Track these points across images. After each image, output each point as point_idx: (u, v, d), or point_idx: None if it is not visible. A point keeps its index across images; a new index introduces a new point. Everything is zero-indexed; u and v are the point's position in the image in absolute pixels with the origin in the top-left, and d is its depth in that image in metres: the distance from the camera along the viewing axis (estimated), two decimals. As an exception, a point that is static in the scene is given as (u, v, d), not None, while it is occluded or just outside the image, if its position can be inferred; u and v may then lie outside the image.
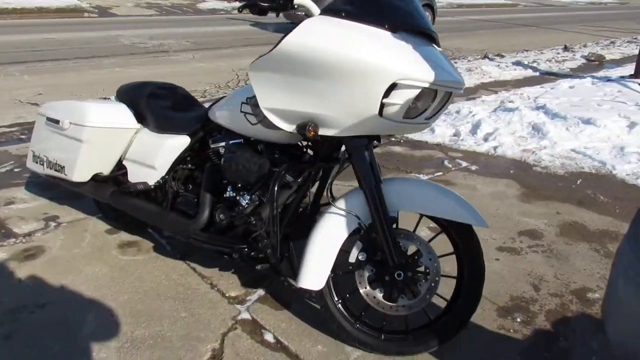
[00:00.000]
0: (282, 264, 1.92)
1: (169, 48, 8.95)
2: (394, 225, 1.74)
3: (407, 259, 1.72)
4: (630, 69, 7.63)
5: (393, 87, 1.50)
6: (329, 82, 1.53)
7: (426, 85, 1.52)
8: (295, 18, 9.66)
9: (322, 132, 1.64)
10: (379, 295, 1.75)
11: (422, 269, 1.73)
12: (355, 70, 1.49)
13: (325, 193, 1.84)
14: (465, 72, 7.35)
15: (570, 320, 2.02)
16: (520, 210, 2.97)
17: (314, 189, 2.05)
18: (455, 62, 8.22)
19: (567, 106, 5.16)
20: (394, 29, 1.54)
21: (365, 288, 1.76)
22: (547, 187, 3.34)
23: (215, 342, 1.87)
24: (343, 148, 1.86)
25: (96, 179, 2.38)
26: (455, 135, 4.38)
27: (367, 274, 1.76)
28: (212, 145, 2.09)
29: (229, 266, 2.35)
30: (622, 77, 6.73)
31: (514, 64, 8.11)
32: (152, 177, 2.24)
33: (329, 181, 1.86)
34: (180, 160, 2.21)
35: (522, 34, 12.83)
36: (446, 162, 3.77)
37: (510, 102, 5.34)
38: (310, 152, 2.00)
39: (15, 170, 3.48)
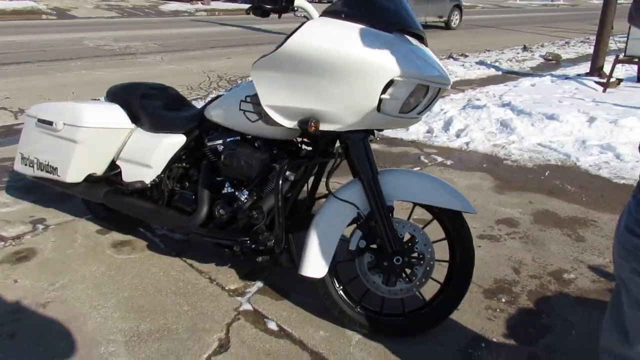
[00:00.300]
0: (282, 255, 2.00)
1: (135, 50, 8.86)
2: (391, 214, 1.85)
3: (404, 245, 1.83)
4: (585, 67, 8.05)
5: (390, 83, 1.61)
6: (330, 80, 1.63)
7: (420, 81, 1.64)
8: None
9: (323, 127, 1.74)
10: (379, 280, 1.86)
11: (417, 254, 1.85)
12: (355, 69, 1.59)
13: (326, 185, 1.93)
14: (432, 71, 7.56)
15: (550, 299, 2.18)
16: (496, 201, 3.14)
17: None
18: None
19: (530, 103, 5.42)
20: (390, 29, 1.65)
21: (366, 274, 1.87)
22: (519, 179, 3.53)
23: (220, 332, 1.94)
24: (337, 143, 1.97)
25: (89, 179, 2.40)
26: (428, 132, 4.55)
27: (366, 261, 1.86)
28: (208, 143, 2.15)
29: (224, 261, 2.41)
30: (579, 75, 7.09)
31: (477, 63, 8.41)
32: (148, 176, 2.29)
33: (328, 174, 1.95)
34: (175, 158, 2.26)
35: (482, 35, 13.25)
36: (422, 158, 3.93)
37: (477, 99, 5.57)
38: (305, 147, 2.09)
39: (-7, 174, 3.43)
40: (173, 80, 6.65)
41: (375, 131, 1.94)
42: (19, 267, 2.34)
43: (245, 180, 2.05)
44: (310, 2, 1.78)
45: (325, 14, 1.66)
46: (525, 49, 10.13)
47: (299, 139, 2.07)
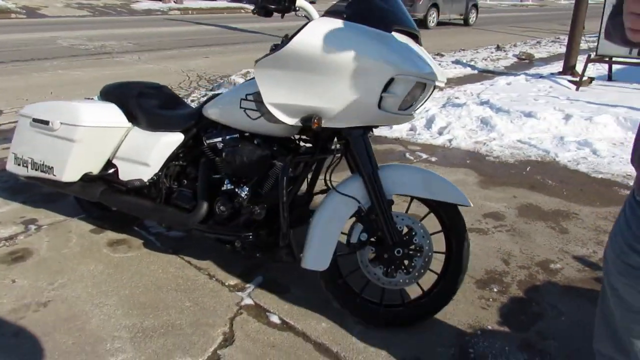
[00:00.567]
0: (283, 250, 2.05)
1: (111, 50, 8.75)
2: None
3: (403, 238, 1.90)
4: (557, 66, 8.29)
5: (390, 81, 1.68)
6: (333, 78, 1.68)
7: (419, 79, 1.71)
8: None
9: (325, 124, 1.79)
10: (379, 272, 1.93)
11: (416, 246, 1.92)
12: (357, 67, 1.65)
13: (324, 181, 1.98)
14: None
15: (539, 288, 2.28)
16: (481, 195, 3.25)
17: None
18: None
19: (507, 101, 5.57)
20: (389, 28, 1.72)
21: (367, 266, 1.93)
22: (502, 174, 3.65)
23: (224, 326, 1.98)
24: (335, 140, 2.02)
25: (85, 178, 2.40)
26: (411, 129, 4.65)
27: (367, 253, 1.93)
28: (207, 141, 2.18)
29: (222, 257, 2.44)
30: (552, 74, 7.31)
31: (453, 62, 8.57)
32: (145, 174, 2.30)
33: (327, 171, 2.00)
34: (173, 156, 2.28)
35: (456, 34, 13.50)
36: (407, 155, 4.02)
37: (456, 98, 5.70)
38: (303, 144, 2.14)
39: (-22, 175, 3.37)
40: (152, 79, 6.57)
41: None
42: (15, 267, 2.33)
43: (245, 177, 2.08)
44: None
45: (327, 14, 1.71)
46: (498, 48, 10.37)
47: (297, 136, 2.12)
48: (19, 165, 2.49)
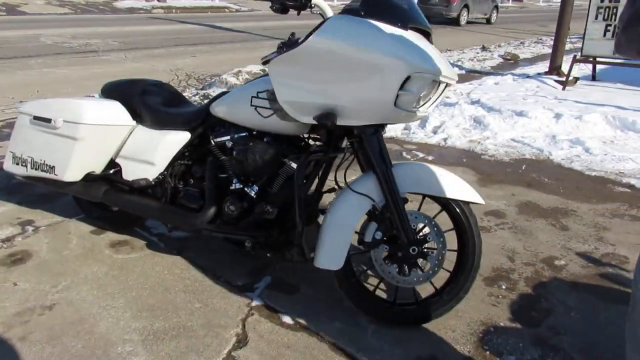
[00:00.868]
0: (293, 249, 2.03)
1: (96, 48, 8.61)
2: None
3: (417, 236, 1.90)
4: (542, 66, 8.41)
5: (407, 79, 1.67)
6: (350, 75, 1.67)
7: (434, 77, 1.71)
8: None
9: (340, 122, 1.78)
10: (394, 270, 1.92)
11: (431, 244, 1.92)
12: (375, 64, 1.64)
13: (341, 179, 1.97)
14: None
15: (546, 284, 2.30)
16: (481, 194, 3.19)
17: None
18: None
19: (497, 100, 5.63)
20: (405, 26, 1.72)
21: (381, 264, 1.92)
22: (498, 172, 3.68)
23: (236, 327, 1.95)
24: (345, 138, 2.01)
25: (87, 178, 2.34)
26: (406, 129, 4.67)
27: (382, 252, 1.92)
28: (215, 140, 2.15)
29: (227, 258, 2.42)
30: (539, 74, 7.41)
31: (441, 62, 8.62)
32: (150, 173, 2.26)
33: (345, 169, 1.99)
34: (179, 155, 2.25)
35: (442, 35, 13.59)
36: (404, 154, 4.03)
37: (447, 97, 5.73)
38: (312, 143, 2.13)
39: (-32, 176, 3.28)
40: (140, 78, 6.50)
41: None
42: (15, 270, 2.27)
43: (255, 175, 2.06)
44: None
45: (345, 11, 1.70)
46: (484, 49, 10.47)
47: (306, 134, 2.10)
48: (17, 164, 2.42)
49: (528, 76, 7.36)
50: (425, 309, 1.97)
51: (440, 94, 1.89)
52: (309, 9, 1.81)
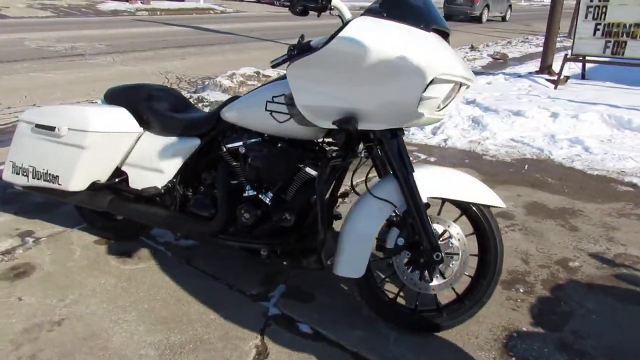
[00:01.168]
0: (311, 257, 1.98)
1: (83, 51, 8.44)
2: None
3: (440, 242, 1.86)
4: (531, 65, 8.48)
5: (430, 82, 1.63)
6: (374, 78, 1.63)
7: (459, 80, 1.68)
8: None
9: (361, 126, 1.73)
10: (416, 277, 1.88)
11: (453, 249, 1.88)
12: (400, 67, 1.60)
13: (364, 183, 1.93)
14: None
15: (563, 286, 2.28)
16: (487, 195, 3.24)
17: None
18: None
19: (492, 100, 5.64)
20: (427, 27, 1.68)
21: (403, 271, 1.88)
22: (502, 173, 3.67)
23: (255, 339, 1.89)
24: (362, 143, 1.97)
25: (92, 187, 2.26)
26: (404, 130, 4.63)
27: (403, 258, 1.88)
28: (227, 146, 2.08)
29: (237, 266, 2.36)
30: (530, 73, 7.45)
31: (432, 63, 8.63)
32: (159, 181, 2.19)
33: (366, 173, 1.95)
34: (189, 162, 2.18)
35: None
36: (406, 156, 3.99)
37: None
38: (328, 147, 2.08)
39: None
40: (129, 81, 6.31)
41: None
42: (19, 284, 2.18)
43: (271, 182, 2.00)
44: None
45: (367, 12, 1.65)
46: (472, 48, 10.53)
47: (320, 139, 2.05)
48: (17, 174, 2.33)
49: (519, 75, 7.40)
50: (448, 315, 1.94)
51: (457, 96, 1.85)
52: (328, 11, 1.76)
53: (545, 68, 7.33)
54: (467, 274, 1.96)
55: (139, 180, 2.24)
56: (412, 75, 1.61)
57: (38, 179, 2.27)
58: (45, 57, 7.71)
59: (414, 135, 4.49)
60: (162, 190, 2.19)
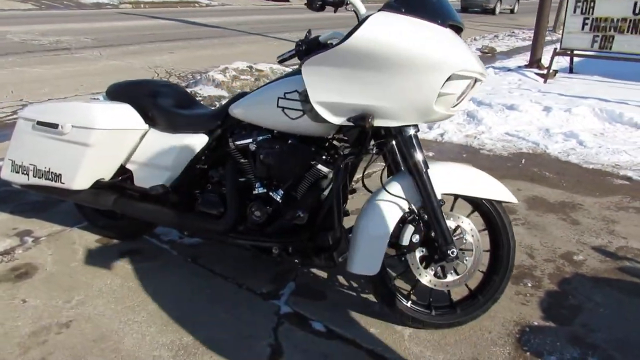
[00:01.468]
0: (323, 254, 1.97)
1: (68, 45, 8.29)
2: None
3: (454, 238, 1.86)
4: (519, 59, 8.54)
5: (448, 78, 1.62)
6: (392, 74, 1.61)
7: (475, 75, 1.67)
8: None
9: (377, 122, 1.72)
10: (431, 273, 1.88)
11: (467, 245, 1.88)
12: (419, 63, 1.59)
13: (379, 180, 1.91)
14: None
15: (570, 280, 2.30)
16: (488, 190, 3.26)
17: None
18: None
19: (484, 94, 5.66)
20: (445, 23, 1.66)
21: (418, 268, 1.88)
22: (499, 167, 3.69)
23: (269, 338, 1.87)
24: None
25: (96, 186, 2.22)
26: (400, 124, 4.63)
27: (418, 255, 1.87)
28: (236, 142, 2.05)
29: (245, 264, 2.33)
30: (520, 67, 7.51)
31: (421, 57, 8.64)
32: (166, 179, 2.15)
33: (382, 170, 1.94)
34: (196, 159, 2.15)
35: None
36: (403, 150, 3.99)
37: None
38: (338, 144, 2.06)
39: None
40: (118, 76, 6.22)
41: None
42: (22, 285, 2.13)
43: (282, 179, 1.98)
44: None
45: (385, 8, 1.63)
46: (460, 42, 10.55)
47: (330, 136, 2.03)
48: (17, 172, 2.27)
49: (509, 69, 7.44)
50: (462, 311, 1.94)
51: (472, 92, 1.85)
52: (345, 6, 1.74)
53: (535, 62, 7.39)
54: (479, 270, 1.96)
55: (144, 178, 2.19)
56: (431, 71, 1.60)
57: (39, 178, 2.21)
58: (30, 51, 7.55)
59: (410, 130, 4.48)
60: (170, 189, 2.15)
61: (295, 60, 1.91)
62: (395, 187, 1.84)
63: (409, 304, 1.91)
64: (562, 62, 7.69)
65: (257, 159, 1.97)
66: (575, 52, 6.86)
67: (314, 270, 2.30)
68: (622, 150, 4.02)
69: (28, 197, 2.92)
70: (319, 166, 1.93)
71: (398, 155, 1.90)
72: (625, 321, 2.03)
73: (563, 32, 6.80)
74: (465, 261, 1.88)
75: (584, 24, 6.62)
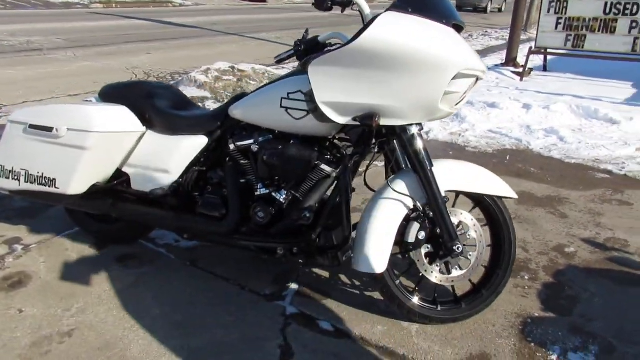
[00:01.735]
0: (328, 254, 1.97)
1: (40, 46, 8.07)
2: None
3: (459, 234, 1.88)
4: (494, 58, 8.71)
5: (454, 76, 1.65)
6: (401, 74, 1.63)
7: (478, 74, 1.71)
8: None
9: (383, 122, 1.73)
10: (436, 269, 1.90)
11: (469, 241, 1.92)
12: (427, 62, 1.61)
13: (385, 178, 1.93)
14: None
15: (564, 272, 2.36)
16: (477, 186, 3.31)
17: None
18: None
19: (464, 92, 5.74)
20: (449, 23, 1.69)
21: (424, 264, 1.90)
22: (486, 164, 3.72)
23: (277, 339, 1.87)
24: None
25: (92, 190, 2.16)
26: (385, 123, 4.67)
27: (424, 252, 1.89)
28: (237, 144, 2.04)
29: (245, 266, 2.32)
30: (496, 66, 7.65)
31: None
32: (165, 182, 2.12)
33: (388, 168, 1.95)
34: (195, 161, 2.12)
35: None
36: (391, 149, 4.03)
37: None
38: (339, 144, 2.06)
39: None
40: (95, 78, 6.15)
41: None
42: (17, 295, 2.06)
43: (286, 179, 1.97)
44: None
45: (392, 8, 1.64)
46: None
47: (331, 136, 2.04)
48: (7, 178, 2.19)
49: (487, 68, 7.56)
50: (467, 305, 1.97)
51: (472, 90, 1.88)
52: (351, 7, 1.75)
53: (511, 60, 7.54)
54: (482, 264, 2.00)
55: (142, 181, 2.16)
56: (438, 70, 1.62)
57: (32, 183, 2.15)
58: (0, 52, 7.32)
59: (396, 129, 4.52)
60: (169, 191, 2.11)
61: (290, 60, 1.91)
62: (400, 185, 1.86)
63: (416, 300, 1.93)
64: (537, 60, 7.87)
65: (260, 160, 1.96)
66: (549, 50, 7.03)
67: (315, 270, 2.30)
68: (601, 145, 4.14)
69: (13, 204, 2.83)
70: (323, 166, 1.93)
71: (399, 153, 1.93)
72: (619, 310, 2.09)
73: (538, 31, 6.95)
74: (469, 256, 1.91)
75: (558, 23, 6.78)
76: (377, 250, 1.82)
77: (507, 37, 8.14)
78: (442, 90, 1.65)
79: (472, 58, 1.67)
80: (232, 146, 2.06)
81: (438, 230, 1.85)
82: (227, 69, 5.34)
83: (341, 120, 1.76)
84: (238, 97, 2.08)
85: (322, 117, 1.80)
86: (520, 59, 7.42)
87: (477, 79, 1.77)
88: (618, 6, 6.24)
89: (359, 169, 1.98)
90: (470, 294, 2.01)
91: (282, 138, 1.99)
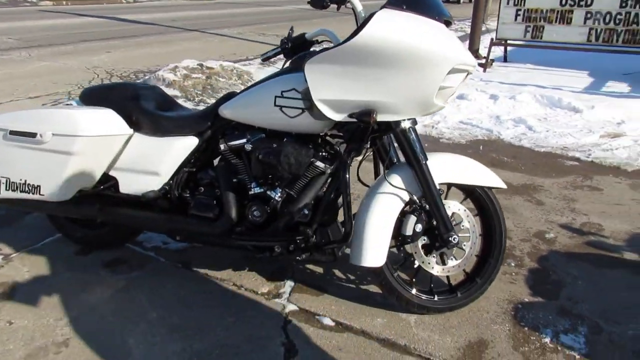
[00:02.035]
0: (325, 249, 1.99)
1: (-9, 46, 7.71)
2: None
3: (453, 225, 1.93)
4: (456, 50, 8.85)
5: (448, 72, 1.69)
6: (397, 70, 1.65)
7: (470, 68, 1.75)
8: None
9: (380, 118, 1.76)
10: (433, 260, 1.95)
11: (464, 231, 1.97)
12: (423, 58, 1.64)
13: (383, 173, 1.95)
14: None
15: (547, 257, 2.45)
16: (455, 177, 3.39)
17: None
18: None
19: (432, 85, 5.85)
20: (441, 19, 1.72)
21: (421, 256, 1.94)
22: (461, 155, 3.84)
23: (280, 337, 1.87)
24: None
25: (79, 195, 2.10)
26: (359, 117, 4.71)
27: (420, 243, 1.94)
28: (229, 143, 2.02)
29: (239, 265, 2.30)
30: (459, 58, 7.79)
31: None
32: (154, 184, 2.08)
33: (386, 162, 1.97)
34: (186, 162, 2.09)
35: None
36: (367, 143, 4.07)
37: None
38: (331, 140, 2.08)
39: None
40: (54, 78, 5.94)
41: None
42: (4, 307, 1.99)
43: (281, 178, 1.97)
44: None
45: (388, 5, 1.66)
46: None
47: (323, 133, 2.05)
48: (-14, 187, 2.11)
49: (449, 60, 7.71)
50: (462, 294, 2.02)
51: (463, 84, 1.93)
52: (345, 5, 1.76)
53: (473, 52, 7.69)
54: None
55: (131, 185, 2.11)
56: (434, 66, 1.65)
57: (13, 191, 2.07)
58: (-51, 54, 6.97)
59: (370, 123, 4.57)
60: (160, 194, 2.08)
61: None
62: (396, 179, 1.89)
63: (413, 292, 1.97)
64: (497, 51, 8.07)
65: (254, 159, 1.95)
66: (509, 42, 7.23)
67: (309, 266, 2.31)
68: (567, 133, 4.31)
69: (-15, 212, 2.72)
70: (317, 163, 1.94)
71: (391, 148, 1.96)
72: (602, 292, 2.20)
73: (498, 22, 7.13)
74: (463, 246, 1.97)
75: (517, 14, 6.98)
76: (376, 244, 1.85)
77: (466, 29, 8.34)
78: (438, 85, 1.68)
79: (465, 53, 1.71)
80: (223, 146, 2.04)
81: (434, 222, 1.90)
82: (195, 66, 5.26)
83: (337, 117, 1.77)
84: (227, 97, 2.06)
85: (317, 115, 1.81)
86: (482, 50, 7.60)
87: (468, 74, 1.82)
88: (574, -3, 6.48)
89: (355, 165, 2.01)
90: (464, 282, 2.06)
91: (275, 136, 1.98)
